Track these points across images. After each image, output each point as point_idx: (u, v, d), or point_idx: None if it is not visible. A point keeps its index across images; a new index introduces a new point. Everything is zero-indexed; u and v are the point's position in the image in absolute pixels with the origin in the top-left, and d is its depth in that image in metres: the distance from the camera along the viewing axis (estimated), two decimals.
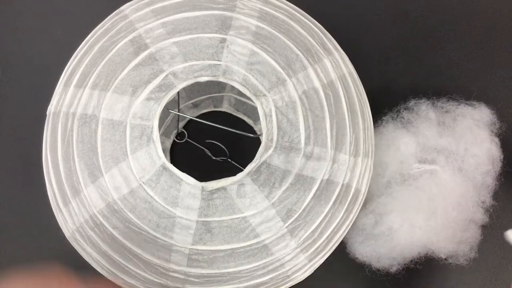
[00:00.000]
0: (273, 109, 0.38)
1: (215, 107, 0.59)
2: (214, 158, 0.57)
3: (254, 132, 0.58)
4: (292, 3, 0.45)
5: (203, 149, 0.57)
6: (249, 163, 0.38)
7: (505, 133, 0.55)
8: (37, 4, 0.62)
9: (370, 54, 0.61)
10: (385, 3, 0.63)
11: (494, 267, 0.56)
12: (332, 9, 0.63)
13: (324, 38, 0.44)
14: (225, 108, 0.59)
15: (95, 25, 0.44)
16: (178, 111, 0.53)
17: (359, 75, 0.46)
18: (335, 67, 0.42)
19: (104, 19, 0.44)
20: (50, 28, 0.61)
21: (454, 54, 0.61)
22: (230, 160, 0.57)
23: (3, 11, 0.61)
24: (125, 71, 0.39)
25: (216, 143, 0.56)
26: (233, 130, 0.44)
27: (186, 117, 0.58)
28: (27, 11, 0.62)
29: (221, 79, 0.38)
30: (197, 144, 0.57)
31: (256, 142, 0.56)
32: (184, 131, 0.58)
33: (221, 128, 0.45)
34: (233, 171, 0.39)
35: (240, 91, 0.55)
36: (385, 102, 0.57)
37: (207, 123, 0.46)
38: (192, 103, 0.58)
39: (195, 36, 0.39)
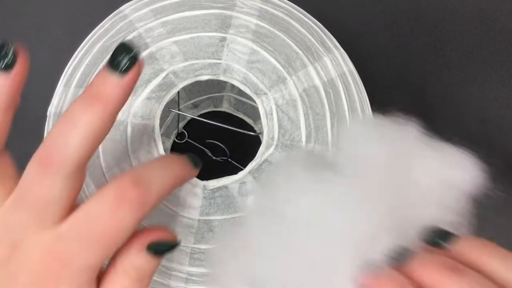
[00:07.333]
0: (274, 107, 0.38)
1: (215, 107, 0.59)
2: (214, 158, 0.57)
3: (254, 131, 0.58)
4: (292, 2, 0.45)
5: (204, 149, 0.57)
6: (249, 162, 0.38)
7: None
8: (37, 4, 0.62)
9: (370, 54, 0.61)
10: (385, 3, 0.63)
11: None
12: (331, 9, 0.63)
13: (324, 36, 0.44)
14: (225, 108, 0.59)
15: (95, 25, 0.44)
16: (178, 112, 0.53)
17: (358, 75, 0.46)
18: (335, 65, 0.42)
19: (104, 19, 0.44)
20: (50, 28, 0.61)
21: (454, 54, 0.61)
22: (230, 160, 0.57)
23: (3, 11, 0.62)
24: None
25: (216, 143, 0.56)
26: (234, 129, 0.44)
27: (186, 117, 0.58)
28: (27, 11, 0.62)
29: (222, 78, 0.38)
30: (197, 144, 0.58)
31: (256, 142, 0.56)
32: (184, 131, 0.58)
33: (221, 128, 0.45)
34: (234, 171, 0.39)
35: (240, 91, 0.55)
36: (384, 102, 0.57)
37: (208, 121, 0.46)
38: (192, 103, 0.58)
39: (195, 35, 0.39)
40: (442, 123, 0.59)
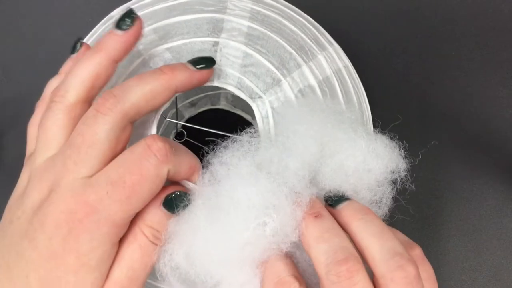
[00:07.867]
0: (269, 110, 0.38)
1: (212, 104, 0.59)
2: None
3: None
4: (291, 2, 0.45)
5: (203, 148, 0.57)
6: None
7: None
8: (37, 4, 0.62)
9: (370, 54, 0.61)
10: (385, 3, 0.62)
11: (494, 267, 0.56)
12: (331, 10, 0.63)
13: (317, 33, 0.43)
14: (222, 105, 0.59)
15: (95, 25, 0.44)
16: (176, 112, 0.53)
17: (358, 75, 0.46)
18: (329, 62, 0.42)
19: (103, 19, 0.44)
20: (50, 28, 0.61)
21: (454, 54, 0.61)
22: None
23: (3, 11, 0.62)
24: (120, 81, 0.38)
25: (216, 141, 0.56)
26: (227, 134, 0.44)
27: (184, 115, 0.58)
28: (27, 11, 0.62)
29: (216, 83, 0.38)
30: (197, 143, 0.58)
31: None
32: (183, 130, 0.58)
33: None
34: None
35: None
36: (384, 102, 0.57)
37: (194, 127, 0.46)
38: (189, 102, 0.58)
39: (187, 41, 0.39)
40: (442, 123, 0.59)
